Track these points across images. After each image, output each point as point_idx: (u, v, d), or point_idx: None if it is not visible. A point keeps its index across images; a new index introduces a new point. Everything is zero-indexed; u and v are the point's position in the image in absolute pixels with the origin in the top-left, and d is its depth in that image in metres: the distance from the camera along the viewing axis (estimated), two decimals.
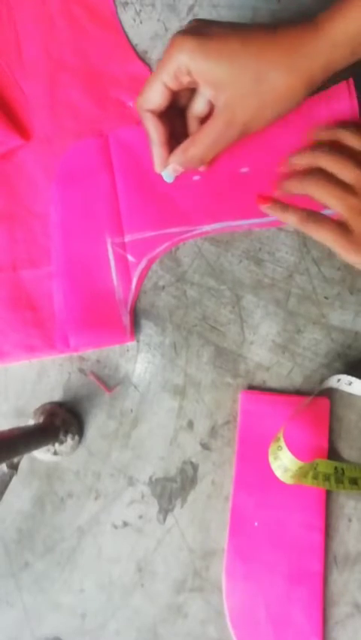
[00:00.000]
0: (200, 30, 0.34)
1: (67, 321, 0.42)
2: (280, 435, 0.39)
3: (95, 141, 0.43)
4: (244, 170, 0.41)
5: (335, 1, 0.34)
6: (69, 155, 0.43)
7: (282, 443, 0.38)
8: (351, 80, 0.40)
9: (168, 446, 0.42)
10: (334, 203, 0.36)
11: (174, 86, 0.35)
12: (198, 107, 0.37)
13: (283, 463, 0.38)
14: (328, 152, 0.37)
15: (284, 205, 0.38)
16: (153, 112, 0.36)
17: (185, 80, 0.34)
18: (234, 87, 0.34)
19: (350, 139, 0.37)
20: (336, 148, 0.37)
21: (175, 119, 0.38)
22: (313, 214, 0.37)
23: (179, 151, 0.38)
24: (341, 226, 0.36)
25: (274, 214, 0.39)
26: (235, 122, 0.35)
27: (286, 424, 0.40)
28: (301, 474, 0.38)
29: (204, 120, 0.38)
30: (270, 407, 0.41)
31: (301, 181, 0.37)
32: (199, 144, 0.37)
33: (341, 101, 0.40)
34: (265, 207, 0.39)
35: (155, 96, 0.36)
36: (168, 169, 0.39)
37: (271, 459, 0.39)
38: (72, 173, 0.43)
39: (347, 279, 0.41)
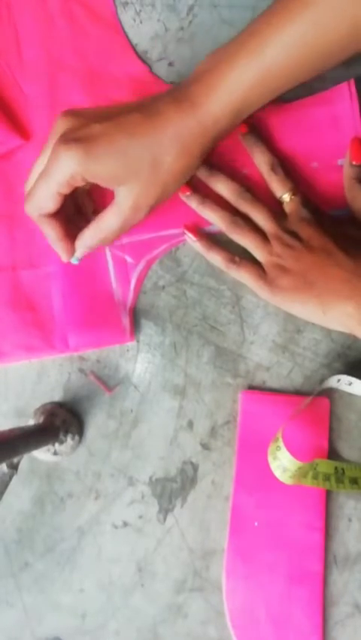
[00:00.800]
0: (80, 135, 0.33)
1: (66, 322, 0.42)
2: (279, 435, 0.39)
3: None
4: (244, 171, 0.41)
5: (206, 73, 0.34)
6: None
7: (280, 443, 0.38)
8: (352, 81, 0.40)
9: (168, 446, 0.42)
10: (252, 250, 0.39)
11: (66, 191, 0.35)
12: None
13: (282, 463, 0.38)
14: (250, 199, 0.39)
15: (210, 243, 0.41)
16: (45, 215, 0.36)
17: (79, 183, 0.35)
18: (134, 179, 0.35)
19: (274, 185, 0.40)
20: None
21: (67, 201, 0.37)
22: (234, 258, 0.40)
23: (87, 237, 0.38)
24: (257, 269, 0.39)
25: (199, 249, 0.41)
26: (140, 207, 0.36)
27: (286, 425, 0.40)
28: (301, 474, 0.38)
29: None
30: (270, 407, 0.41)
31: (228, 225, 0.40)
32: (106, 230, 0.37)
33: (341, 102, 0.40)
34: (190, 239, 0.41)
35: (46, 202, 0.35)
36: (76, 254, 0.39)
37: (270, 459, 0.39)
38: None
39: None
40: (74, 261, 0.39)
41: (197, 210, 0.41)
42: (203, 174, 0.40)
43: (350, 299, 0.35)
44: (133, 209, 0.36)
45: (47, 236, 0.38)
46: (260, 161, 0.40)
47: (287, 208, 0.39)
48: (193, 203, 0.41)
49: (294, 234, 0.38)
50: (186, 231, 0.41)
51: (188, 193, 0.41)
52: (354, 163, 0.39)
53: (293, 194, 0.39)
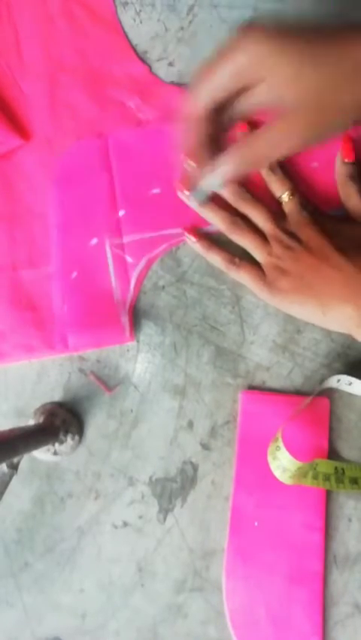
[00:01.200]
0: (277, 29, 0.29)
1: (65, 321, 0.42)
2: (279, 435, 0.39)
3: (95, 142, 0.43)
4: None
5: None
6: (68, 155, 0.43)
7: (280, 443, 0.38)
8: None
9: (168, 446, 0.42)
10: (252, 251, 0.40)
11: (236, 85, 0.30)
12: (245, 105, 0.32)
13: (282, 463, 0.38)
14: (250, 200, 0.40)
15: (209, 244, 0.41)
16: (206, 108, 0.31)
17: (251, 79, 0.30)
18: (318, 74, 0.29)
19: (273, 185, 0.40)
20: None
21: None
22: (233, 259, 0.40)
23: (244, 146, 0.32)
24: (257, 270, 0.39)
25: (199, 250, 0.41)
26: (328, 106, 0.29)
27: (285, 425, 0.40)
28: (301, 474, 0.39)
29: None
30: (270, 407, 0.41)
31: (228, 226, 0.40)
32: (277, 141, 0.31)
33: None
34: (190, 240, 0.41)
35: (218, 88, 0.30)
36: (213, 176, 0.33)
37: (269, 459, 0.39)
38: (71, 173, 0.43)
39: None
40: (198, 196, 0.35)
41: (197, 211, 0.41)
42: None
43: (348, 301, 0.36)
44: (319, 110, 0.30)
45: (196, 136, 0.32)
46: (260, 159, 0.39)
47: (286, 208, 0.40)
48: (193, 203, 0.41)
49: (293, 235, 0.38)
50: (185, 233, 0.41)
51: (188, 193, 0.41)
52: (346, 160, 0.39)
53: (292, 194, 0.39)
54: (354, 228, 0.39)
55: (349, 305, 0.35)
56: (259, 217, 0.39)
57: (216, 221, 0.40)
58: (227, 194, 0.40)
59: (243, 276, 0.40)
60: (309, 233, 0.38)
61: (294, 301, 0.38)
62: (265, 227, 0.39)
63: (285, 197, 0.39)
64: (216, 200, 0.40)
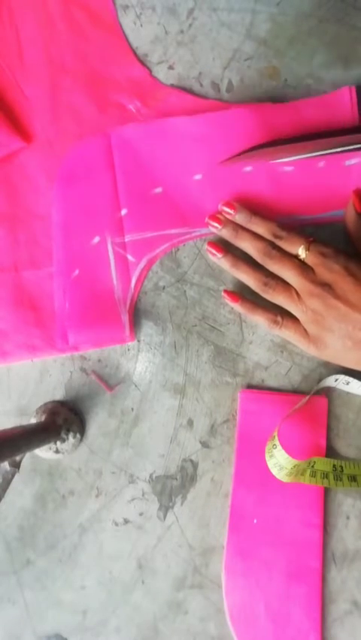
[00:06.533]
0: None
1: (66, 319, 0.43)
2: (275, 434, 0.39)
3: (98, 140, 0.43)
4: (247, 169, 0.42)
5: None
6: (72, 153, 0.43)
7: (277, 442, 0.39)
8: (353, 88, 0.40)
9: (168, 444, 0.43)
10: (288, 308, 0.39)
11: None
12: None
13: (279, 461, 0.38)
14: (277, 257, 0.39)
15: (254, 305, 0.40)
16: None
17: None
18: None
19: (284, 246, 0.39)
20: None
21: None
22: (276, 318, 0.39)
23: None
24: (301, 328, 0.39)
25: (242, 311, 0.41)
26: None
27: (282, 423, 0.40)
28: (298, 472, 0.39)
29: None
30: (269, 406, 0.41)
31: (260, 287, 0.39)
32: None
33: (341, 107, 0.40)
34: (235, 305, 0.41)
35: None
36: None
37: (267, 457, 0.40)
38: (74, 172, 0.43)
39: None
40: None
41: (230, 272, 0.41)
42: (228, 234, 0.41)
43: None
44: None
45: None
46: (261, 233, 0.40)
47: (309, 262, 0.38)
48: (226, 265, 0.41)
49: (327, 287, 0.37)
50: (226, 295, 0.41)
51: (220, 255, 0.41)
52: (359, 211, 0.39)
53: (307, 249, 0.38)
54: None
55: None
56: (287, 274, 0.38)
57: (249, 282, 0.40)
58: (254, 252, 0.40)
59: (287, 334, 0.39)
60: (344, 287, 0.36)
61: (347, 357, 0.37)
62: (296, 284, 0.38)
63: (301, 252, 0.38)
64: (246, 260, 0.40)
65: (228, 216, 0.41)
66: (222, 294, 0.41)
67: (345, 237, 0.41)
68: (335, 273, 0.37)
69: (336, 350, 0.37)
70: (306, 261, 0.38)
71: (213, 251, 0.41)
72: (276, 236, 0.39)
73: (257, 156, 0.40)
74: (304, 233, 0.39)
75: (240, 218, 0.40)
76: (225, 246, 0.41)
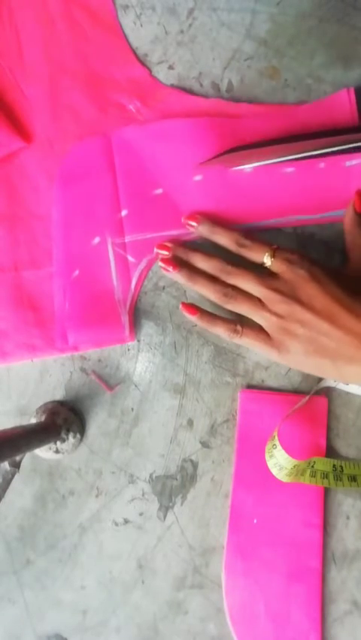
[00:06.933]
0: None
1: (66, 319, 0.43)
2: (275, 434, 0.39)
3: (99, 141, 0.43)
4: (248, 170, 0.42)
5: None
6: (72, 153, 0.43)
7: (277, 442, 0.39)
8: (352, 90, 0.40)
9: (168, 444, 0.43)
10: (251, 316, 0.38)
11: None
12: None
13: (279, 461, 0.39)
14: (233, 271, 0.39)
15: (213, 317, 0.40)
16: None
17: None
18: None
19: (248, 255, 0.39)
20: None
21: None
22: (235, 327, 0.39)
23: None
24: (262, 334, 0.38)
25: (203, 325, 0.40)
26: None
27: (282, 423, 0.40)
28: (298, 472, 0.39)
29: None
30: (269, 406, 0.41)
31: (220, 298, 0.39)
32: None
33: (341, 109, 0.40)
34: (193, 318, 0.40)
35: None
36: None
37: (267, 457, 0.40)
38: (75, 172, 0.43)
39: None
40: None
41: (187, 286, 0.41)
42: (182, 254, 0.41)
43: None
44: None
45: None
46: (225, 244, 0.40)
47: (274, 269, 0.38)
48: (182, 279, 0.40)
49: (291, 293, 0.37)
50: (183, 308, 0.40)
51: (174, 270, 0.40)
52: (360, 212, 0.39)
53: (273, 256, 0.38)
54: (353, 280, 0.37)
55: None
56: (248, 285, 0.38)
57: (208, 295, 0.39)
58: (210, 270, 0.39)
59: (248, 342, 0.39)
60: (309, 292, 0.36)
61: (307, 363, 0.37)
62: (259, 293, 0.38)
63: (267, 260, 0.38)
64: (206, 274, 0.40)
65: (191, 229, 0.41)
66: (180, 307, 0.41)
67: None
68: (300, 279, 0.36)
69: (298, 355, 0.37)
70: (271, 268, 0.38)
71: (166, 267, 0.40)
72: (240, 245, 0.39)
73: (235, 158, 0.40)
74: (268, 241, 0.39)
75: (202, 229, 0.41)
76: (179, 261, 0.41)
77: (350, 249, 0.40)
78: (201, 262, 0.40)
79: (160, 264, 0.41)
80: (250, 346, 0.39)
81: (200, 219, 0.41)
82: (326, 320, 0.35)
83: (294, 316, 0.36)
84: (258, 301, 0.38)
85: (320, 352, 0.36)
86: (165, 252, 0.41)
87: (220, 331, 0.39)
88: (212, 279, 0.39)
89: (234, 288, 0.39)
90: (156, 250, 0.42)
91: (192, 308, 0.40)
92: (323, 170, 0.41)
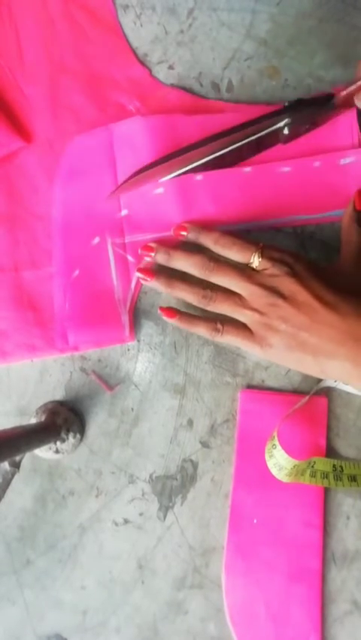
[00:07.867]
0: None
1: (66, 319, 0.43)
2: (275, 434, 0.39)
3: (100, 134, 0.43)
4: (247, 170, 0.42)
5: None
6: (73, 148, 0.43)
7: (276, 442, 0.39)
8: (355, 110, 0.40)
9: (168, 444, 0.43)
10: (232, 315, 0.39)
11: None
12: None
13: (278, 461, 0.39)
14: (214, 268, 0.38)
15: (192, 318, 0.40)
16: None
17: None
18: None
19: (235, 257, 0.39)
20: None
21: None
22: (216, 326, 0.39)
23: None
24: (243, 330, 0.39)
25: (183, 327, 0.40)
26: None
27: (282, 423, 0.40)
28: (298, 472, 0.39)
29: None
30: (269, 406, 0.41)
31: (199, 301, 0.39)
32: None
33: (342, 128, 0.41)
34: (173, 321, 0.40)
35: None
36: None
37: (267, 457, 0.40)
38: (75, 167, 0.43)
39: None
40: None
41: (166, 293, 0.41)
42: (164, 255, 0.40)
43: (346, 359, 0.35)
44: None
45: None
46: (209, 245, 0.40)
47: (261, 267, 0.38)
48: (161, 287, 0.40)
49: (275, 288, 0.37)
50: (162, 313, 0.40)
51: (152, 279, 0.40)
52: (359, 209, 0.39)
53: (260, 255, 0.38)
54: (343, 277, 0.38)
55: (347, 362, 0.35)
56: (229, 282, 0.38)
57: (188, 298, 0.39)
58: (191, 270, 0.39)
59: (231, 340, 0.39)
60: (293, 288, 0.36)
61: (289, 358, 0.37)
62: (241, 290, 0.38)
63: (253, 259, 0.38)
64: (186, 279, 0.40)
65: (181, 238, 0.41)
66: (158, 311, 0.41)
67: None
68: (283, 274, 0.37)
69: (280, 350, 0.37)
70: (258, 267, 0.38)
71: (144, 276, 0.41)
72: (224, 246, 0.39)
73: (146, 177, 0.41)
74: (254, 240, 0.39)
75: (190, 236, 0.40)
76: (155, 269, 0.41)
77: (343, 246, 0.40)
78: (183, 260, 0.40)
79: (138, 274, 0.41)
80: (233, 343, 0.39)
81: (188, 228, 0.41)
82: (307, 316, 0.36)
83: (276, 312, 0.37)
84: (238, 299, 0.38)
85: (302, 348, 0.36)
86: (149, 254, 0.41)
87: (201, 331, 0.39)
88: (190, 283, 0.39)
89: (213, 288, 0.39)
90: (140, 252, 0.41)
91: (171, 311, 0.40)
92: (319, 169, 0.41)
